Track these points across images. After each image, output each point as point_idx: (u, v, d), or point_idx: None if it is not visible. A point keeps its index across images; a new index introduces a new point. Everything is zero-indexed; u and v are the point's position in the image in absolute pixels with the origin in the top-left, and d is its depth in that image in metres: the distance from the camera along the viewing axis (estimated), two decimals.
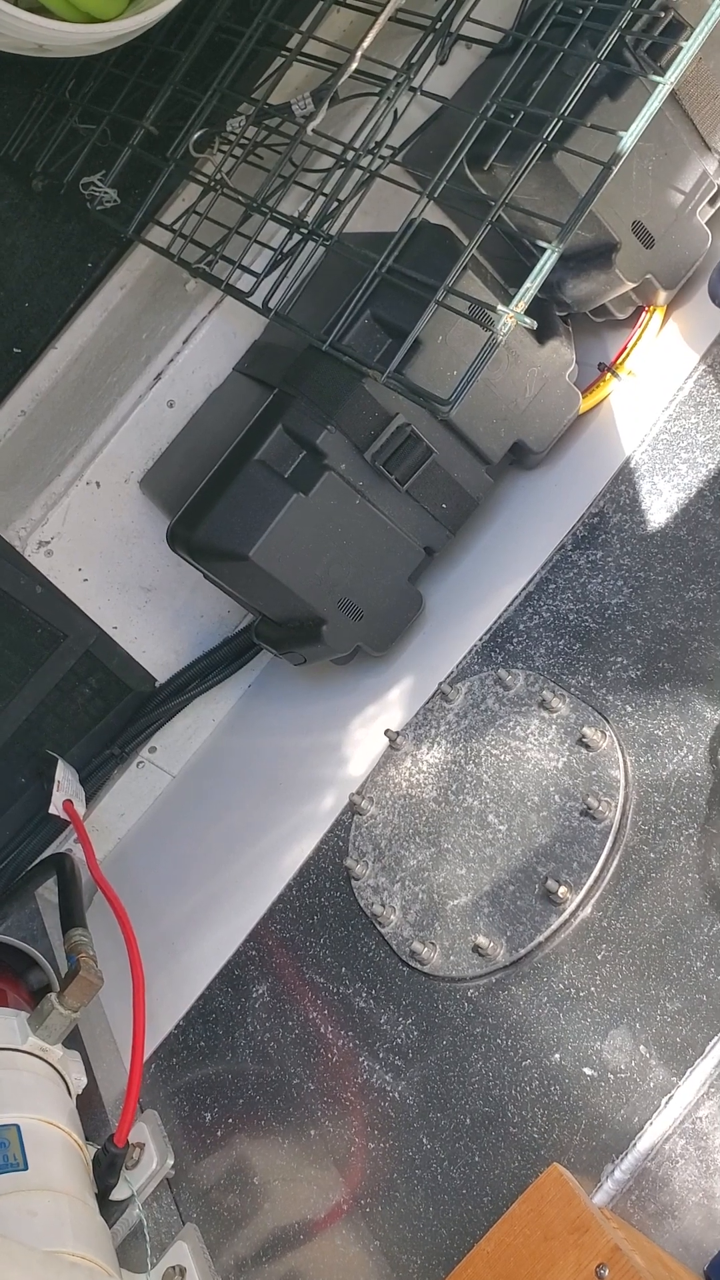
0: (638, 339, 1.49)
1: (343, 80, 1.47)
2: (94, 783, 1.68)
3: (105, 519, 1.61)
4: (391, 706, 1.47)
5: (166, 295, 1.75)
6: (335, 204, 1.44)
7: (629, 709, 1.19)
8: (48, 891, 1.66)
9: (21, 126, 1.77)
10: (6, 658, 1.58)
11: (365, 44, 1.45)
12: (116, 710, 1.68)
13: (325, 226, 1.40)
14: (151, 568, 1.65)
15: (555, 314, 1.44)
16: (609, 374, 1.51)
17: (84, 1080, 1.25)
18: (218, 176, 1.53)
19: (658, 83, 1.20)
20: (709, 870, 1.01)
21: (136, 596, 1.66)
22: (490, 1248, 0.93)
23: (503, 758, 1.25)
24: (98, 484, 1.59)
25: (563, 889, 1.08)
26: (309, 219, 1.43)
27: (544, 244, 1.21)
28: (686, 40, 1.22)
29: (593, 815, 1.11)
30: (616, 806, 1.11)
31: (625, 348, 1.49)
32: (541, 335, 1.42)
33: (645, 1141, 0.93)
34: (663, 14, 1.31)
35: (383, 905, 1.23)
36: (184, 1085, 1.32)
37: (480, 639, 1.40)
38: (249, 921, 1.39)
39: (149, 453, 1.60)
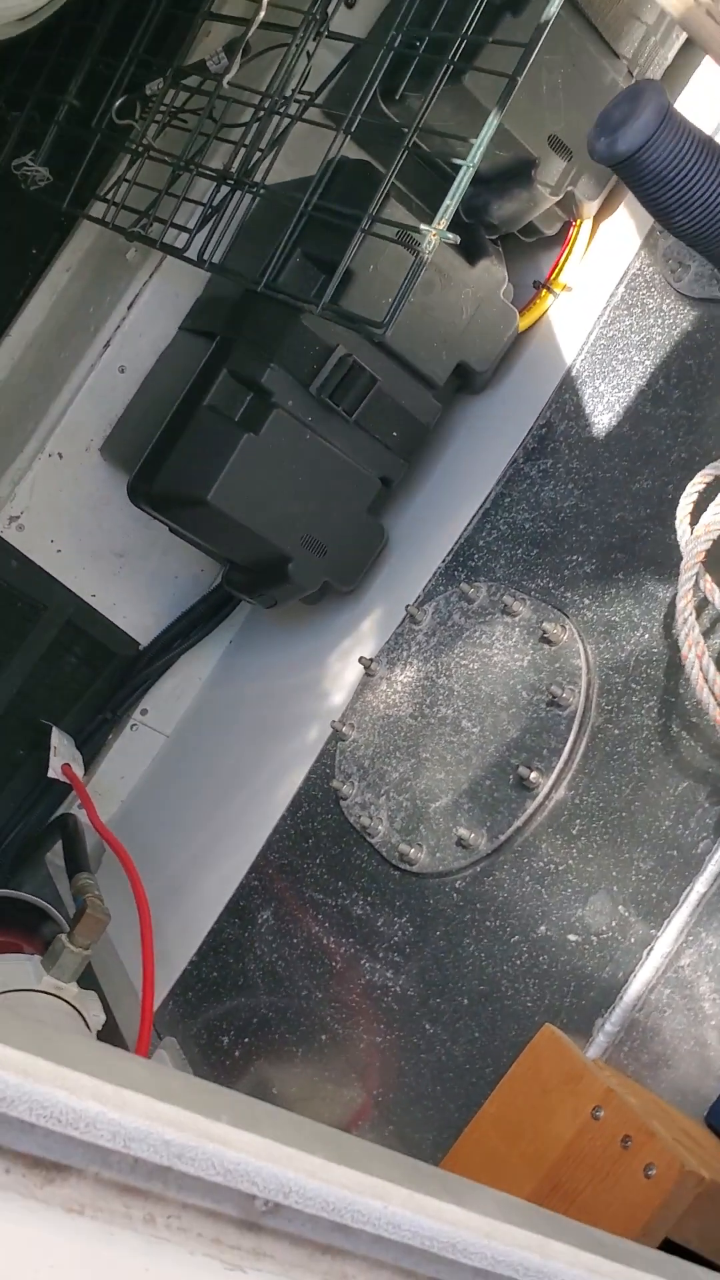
0: (568, 253, 1.52)
1: (252, 31, 1.50)
2: (91, 748, 1.72)
3: (71, 489, 1.65)
4: (365, 637, 1.50)
5: (109, 269, 1.79)
6: (258, 154, 1.47)
7: (586, 601, 1.22)
8: (57, 858, 1.70)
9: None
10: None
11: None
12: (104, 676, 1.72)
13: (251, 176, 1.43)
14: (121, 533, 1.69)
15: (484, 236, 1.48)
16: (545, 290, 1.54)
17: (102, 1017, 1.29)
18: (143, 142, 1.56)
19: None
20: (670, 735, 1.05)
21: (110, 563, 1.70)
22: (494, 1109, 0.97)
23: (471, 666, 1.28)
24: (60, 455, 1.63)
25: (534, 774, 1.12)
26: (234, 171, 1.47)
27: (460, 161, 1.24)
28: None
29: (558, 704, 1.15)
30: (580, 692, 1.14)
31: (557, 263, 1.52)
32: (471, 256, 1.45)
33: (631, 992, 0.96)
34: None
35: (370, 818, 1.27)
36: (201, 1016, 1.36)
37: (443, 560, 1.43)
38: (249, 855, 1.43)
39: (106, 419, 1.64)
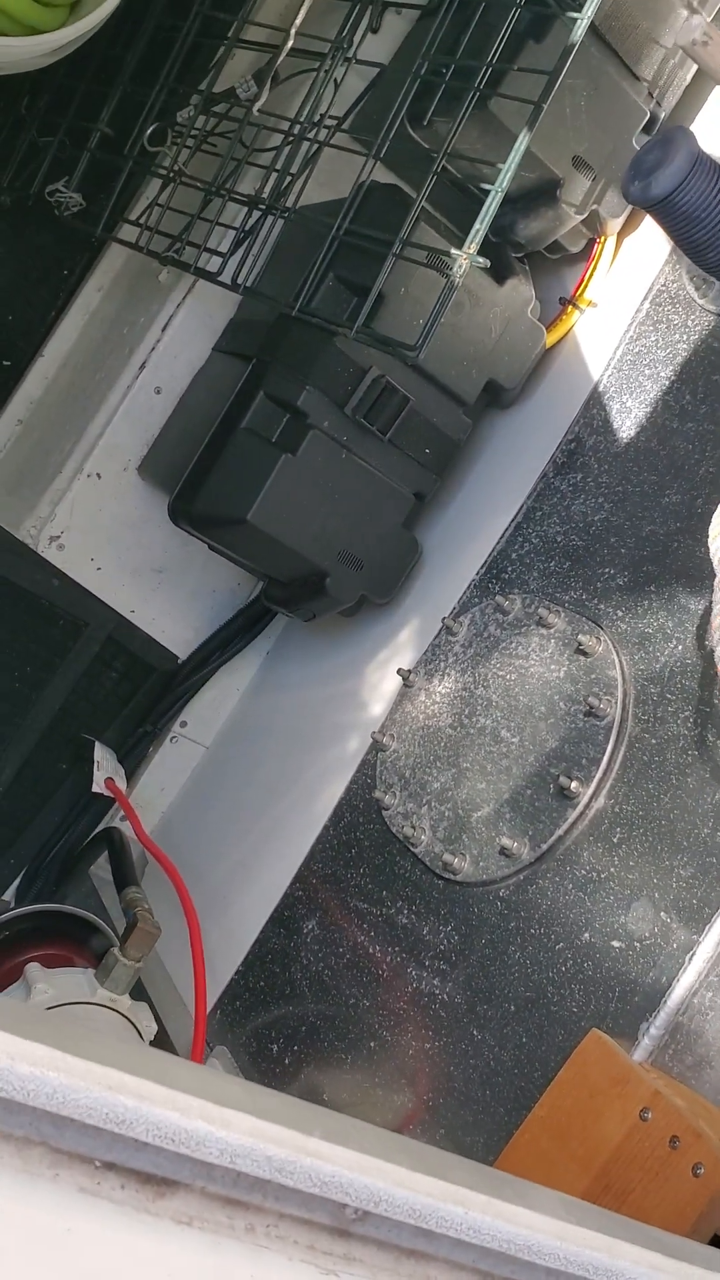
0: (593, 270, 1.55)
1: (281, 59, 1.53)
2: (131, 761, 1.76)
3: (110, 508, 1.69)
4: (402, 648, 1.54)
5: (141, 290, 1.82)
6: (289, 178, 1.51)
7: (620, 613, 1.25)
8: (102, 870, 1.74)
9: None
10: (34, 651, 1.65)
11: (298, 21, 1.52)
12: (144, 690, 1.76)
13: (282, 201, 1.47)
14: (160, 550, 1.73)
15: (511, 255, 1.51)
16: (571, 307, 1.57)
17: (154, 1027, 1.33)
18: (175, 168, 1.60)
19: (575, 18, 1.26)
20: (706, 745, 1.08)
21: (149, 579, 1.74)
22: (544, 1113, 1.00)
23: (508, 677, 1.31)
24: (98, 475, 1.67)
25: (575, 784, 1.15)
26: (265, 195, 1.50)
27: (488, 186, 1.27)
28: None
29: (596, 714, 1.18)
30: (616, 702, 1.17)
31: (582, 279, 1.55)
32: (499, 276, 1.48)
33: (675, 997, 0.99)
34: None
35: (413, 828, 1.30)
36: (249, 1025, 1.39)
37: (477, 573, 1.46)
38: (292, 865, 1.46)
39: (143, 439, 1.68)
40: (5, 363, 2.00)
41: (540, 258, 1.60)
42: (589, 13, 1.27)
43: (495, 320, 1.48)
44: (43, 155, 1.77)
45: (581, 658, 1.24)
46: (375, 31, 1.58)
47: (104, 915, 1.68)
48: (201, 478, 1.43)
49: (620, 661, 1.21)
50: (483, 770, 1.27)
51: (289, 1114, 0.46)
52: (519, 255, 1.54)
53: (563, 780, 1.15)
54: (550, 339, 1.56)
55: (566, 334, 1.58)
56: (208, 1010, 1.42)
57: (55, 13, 1.60)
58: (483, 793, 1.25)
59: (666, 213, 0.86)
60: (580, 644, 1.24)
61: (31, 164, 1.78)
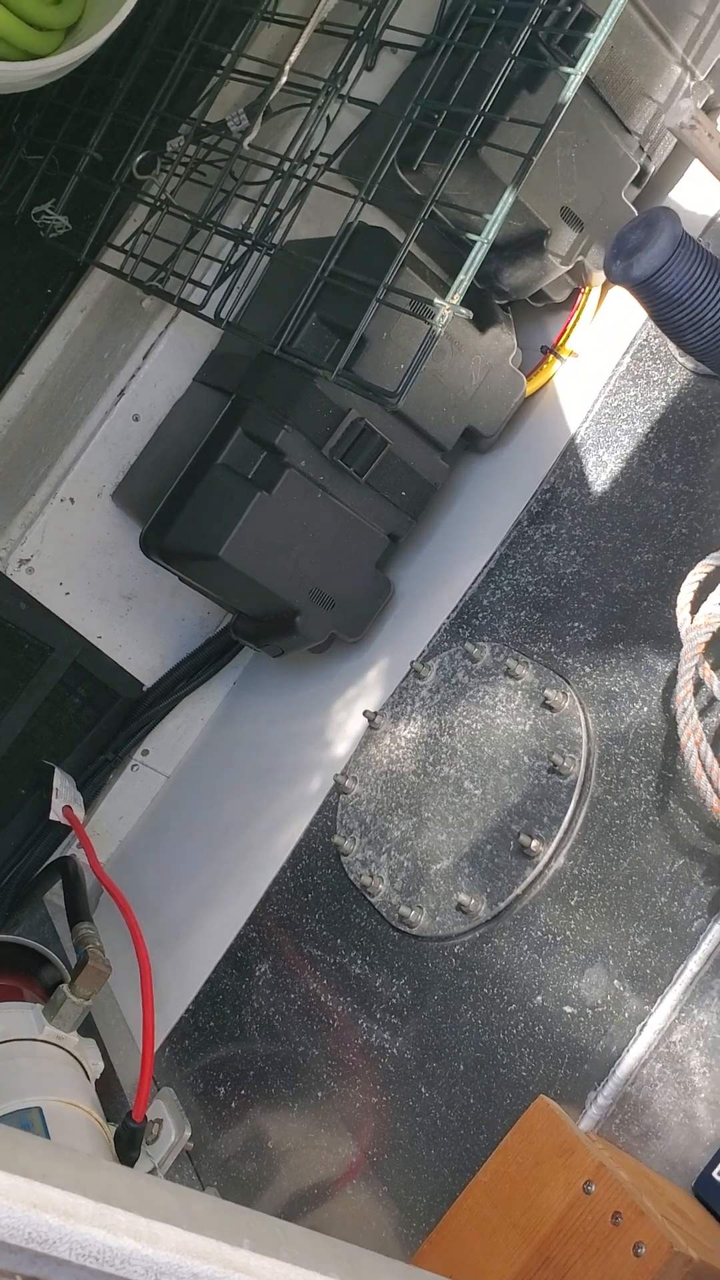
0: (575, 320, 1.55)
1: (274, 94, 1.53)
2: (91, 788, 1.75)
3: (82, 533, 1.67)
4: (369, 689, 1.53)
5: (124, 314, 1.81)
6: (277, 214, 1.50)
7: (588, 669, 1.25)
8: (55, 897, 1.72)
9: None
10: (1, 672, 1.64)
11: (293, 57, 1.52)
12: (107, 717, 1.74)
13: (269, 236, 1.46)
14: (130, 577, 1.71)
15: (495, 303, 1.51)
16: (551, 356, 1.57)
17: (101, 1065, 1.31)
18: (162, 197, 1.59)
19: (570, 73, 1.27)
20: (667, 811, 1.07)
21: (118, 605, 1.72)
22: (487, 1178, 0.99)
23: (474, 726, 1.31)
24: (71, 500, 1.66)
25: (535, 843, 1.14)
26: (252, 230, 1.50)
27: (474, 237, 1.27)
28: (594, 31, 1.28)
29: (559, 771, 1.18)
30: (580, 761, 1.17)
31: (565, 329, 1.56)
32: (482, 324, 1.48)
33: (624, 1067, 0.99)
34: (571, 8, 1.38)
35: (371, 876, 1.29)
36: (197, 1064, 1.38)
37: (448, 617, 1.46)
38: (248, 905, 1.45)
39: (119, 466, 1.66)
40: None
41: (524, 305, 1.60)
42: (583, 68, 1.27)
43: (476, 367, 1.48)
44: (30, 174, 1.76)
45: (548, 712, 1.24)
46: (370, 69, 1.58)
47: (56, 943, 1.66)
48: (175, 511, 1.42)
49: (586, 719, 1.20)
50: (444, 821, 1.26)
51: (219, 1221, 0.45)
52: (503, 303, 1.54)
53: (523, 838, 1.15)
54: (530, 387, 1.56)
55: (546, 383, 1.58)
56: (156, 1048, 1.40)
57: (50, 37, 1.60)
58: (443, 844, 1.25)
59: (647, 294, 0.86)
60: (547, 698, 1.24)
61: (19, 182, 1.77)
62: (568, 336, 1.55)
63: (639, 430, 1.37)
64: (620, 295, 1.55)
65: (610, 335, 1.51)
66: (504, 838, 1.19)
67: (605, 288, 1.57)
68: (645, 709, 1.16)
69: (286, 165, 1.48)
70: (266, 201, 1.50)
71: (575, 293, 1.56)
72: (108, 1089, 1.36)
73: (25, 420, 1.92)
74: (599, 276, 1.54)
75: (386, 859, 1.29)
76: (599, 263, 1.51)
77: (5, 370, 1.95)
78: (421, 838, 1.27)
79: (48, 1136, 1.13)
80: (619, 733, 1.17)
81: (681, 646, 1.06)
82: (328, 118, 1.55)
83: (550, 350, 1.56)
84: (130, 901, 1.49)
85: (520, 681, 1.29)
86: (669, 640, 1.19)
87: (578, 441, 1.45)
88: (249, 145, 1.52)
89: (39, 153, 1.76)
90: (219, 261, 1.54)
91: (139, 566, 1.71)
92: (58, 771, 1.67)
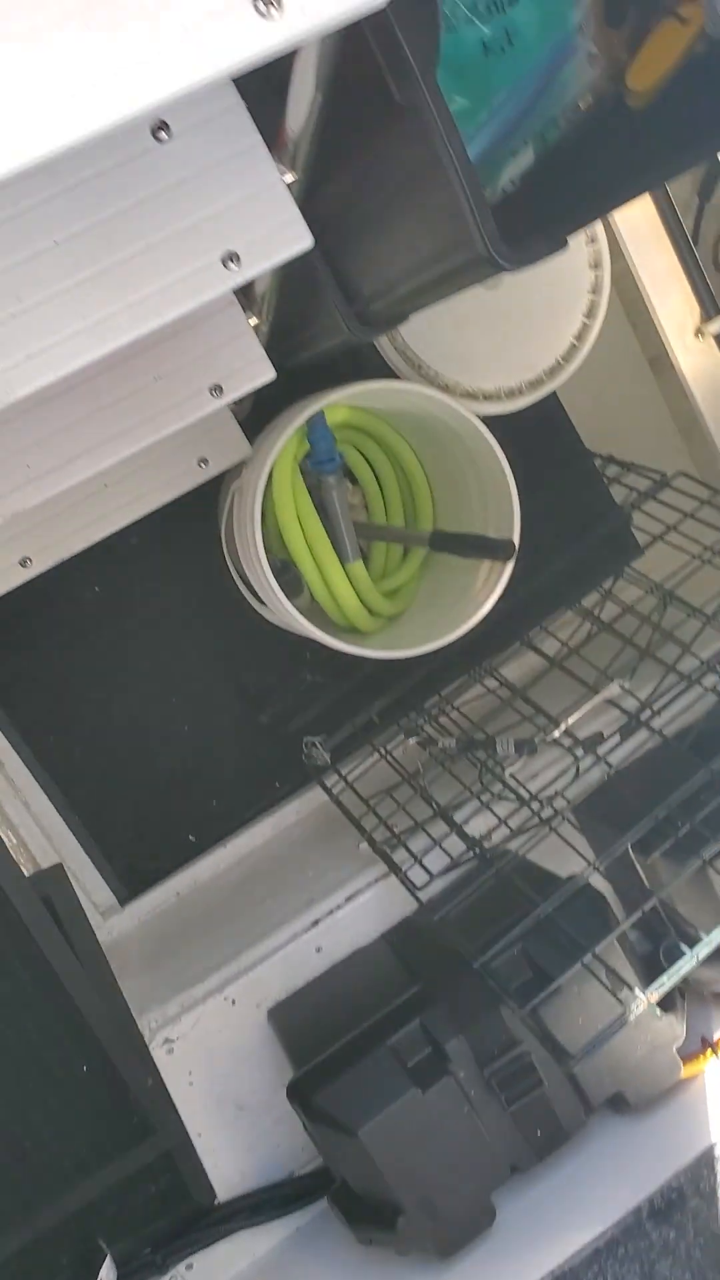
0: None
1: (544, 739, 1.76)
2: None
3: (228, 1033, 1.75)
4: None
5: (338, 839, 1.99)
6: (511, 834, 1.68)
7: None
8: None
9: (265, 669, 2.12)
10: (100, 1132, 1.67)
11: (571, 721, 1.76)
12: (172, 1216, 1.73)
13: (500, 861, 1.63)
14: (249, 1090, 1.76)
15: (677, 991, 1.61)
16: (710, 1051, 1.65)
17: None
18: (418, 779, 1.80)
19: None
20: None
21: (228, 1112, 1.76)
22: None
23: None
24: (233, 1001, 1.75)
25: None
26: (487, 843, 1.67)
27: (685, 949, 1.41)
28: None
29: None
30: None
31: None
32: (663, 1006, 1.58)
33: None
34: None
35: None
36: None
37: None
38: None
39: (286, 987, 1.76)
40: (191, 838, 2.17)
41: (695, 991, 1.70)
42: None
43: (642, 1043, 1.56)
44: (311, 698, 2.02)
45: None
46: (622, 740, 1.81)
47: None
48: (332, 1074, 1.50)
49: None
50: None
51: None
52: (681, 990, 1.65)
53: None
54: (684, 1072, 1.63)
55: (696, 1075, 1.64)
56: None
57: (375, 621, 1.90)
58: None
59: None
60: None
61: (305, 703, 2.03)
62: None
63: None
64: None
65: None
66: None
67: None
68: None
69: (534, 803, 1.68)
70: (508, 823, 1.68)
71: None
72: None
73: (211, 889, 2.07)
74: None
75: None
76: None
77: (212, 837, 2.13)
78: None
79: None
80: None
81: None
82: (578, 766, 1.77)
83: (710, 1046, 1.64)
84: None
85: None
86: None
87: (716, 1154, 1.49)
88: (511, 776, 1.73)
89: (324, 684, 2.03)
90: (447, 853, 1.71)
91: (262, 1082, 1.76)
92: (108, 1262, 1.64)
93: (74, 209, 0.92)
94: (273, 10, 0.65)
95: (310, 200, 1.08)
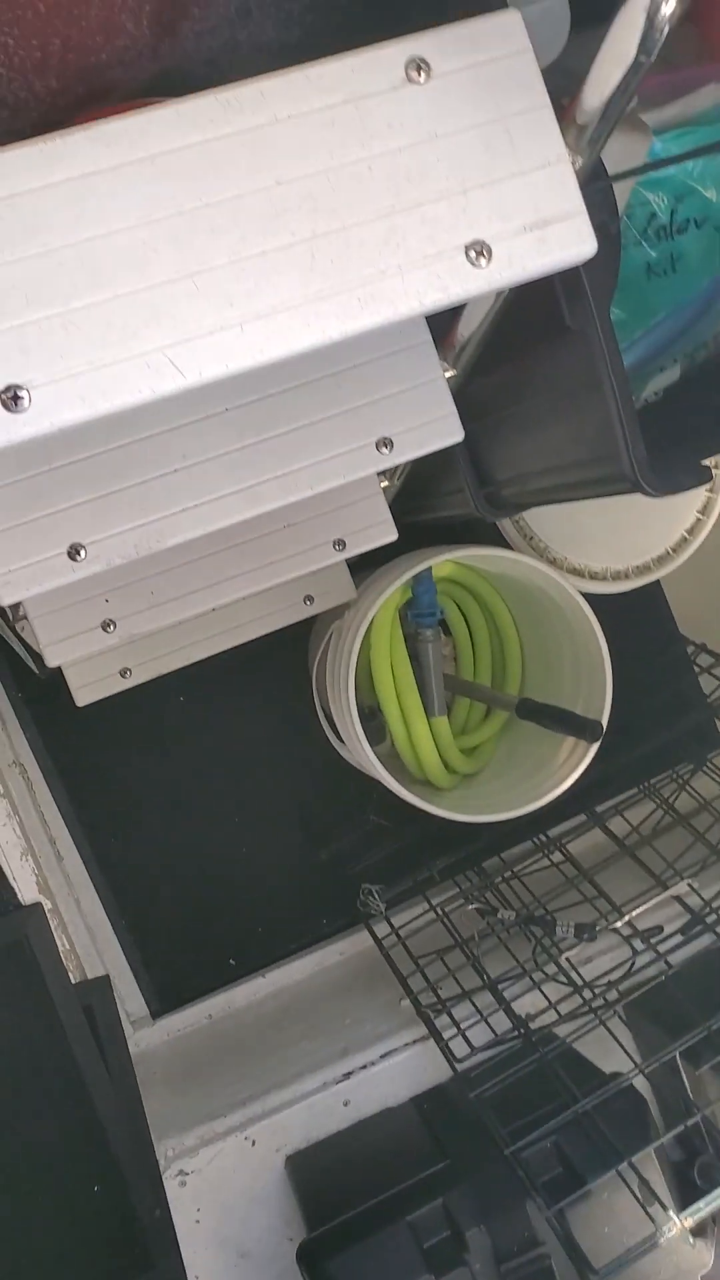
0: None
1: (606, 927, 1.75)
2: None
3: (242, 1174, 1.72)
4: None
5: (379, 991, 1.97)
6: (558, 1018, 1.66)
7: None
8: None
9: (331, 805, 2.13)
10: (99, 1259, 1.63)
11: (635, 913, 1.74)
12: None
13: (543, 1033, 1.61)
14: (255, 1237, 1.72)
15: (710, 1216, 1.56)
16: None
17: None
18: (471, 946, 1.79)
19: None
20: None
21: (229, 1257, 1.72)
22: None
23: None
24: (254, 1142, 1.72)
25: None
26: (533, 1023, 1.65)
27: None
28: None
29: None
30: None
31: None
32: (695, 1232, 1.53)
33: None
34: None
35: None
36: None
37: None
38: None
39: (308, 1136, 1.74)
40: (231, 961, 2.16)
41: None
42: None
43: (668, 1266, 1.51)
44: (373, 847, 2.02)
45: None
46: (685, 938, 1.78)
47: None
48: (345, 1242, 1.46)
49: None
50: None
51: None
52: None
53: None
54: None
55: None
56: None
57: (451, 778, 1.90)
58: None
59: None
60: None
61: (369, 846, 2.03)
62: None
63: None
64: None
65: None
66: None
67: None
68: None
69: (586, 992, 1.66)
70: (556, 1007, 1.66)
71: None
72: None
73: (242, 1017, 2.05)
74: None
75: None
76: None
77: (253, 964, 2.12)
78: None
79: None
80: None
81: None
82: (634, 960, 1.74)
83: None
84: None
85: None
86: None
87: None
88: (566, 959, 1.71)
89: (389, 828, 2.03)
90: (491, 1028, 1.69)
91: (270, 1230, 1.72)
92: None
93: (249, 383, 0.97)
94: (482, 260, 0.69)
95: (462, 392, 1.13)
